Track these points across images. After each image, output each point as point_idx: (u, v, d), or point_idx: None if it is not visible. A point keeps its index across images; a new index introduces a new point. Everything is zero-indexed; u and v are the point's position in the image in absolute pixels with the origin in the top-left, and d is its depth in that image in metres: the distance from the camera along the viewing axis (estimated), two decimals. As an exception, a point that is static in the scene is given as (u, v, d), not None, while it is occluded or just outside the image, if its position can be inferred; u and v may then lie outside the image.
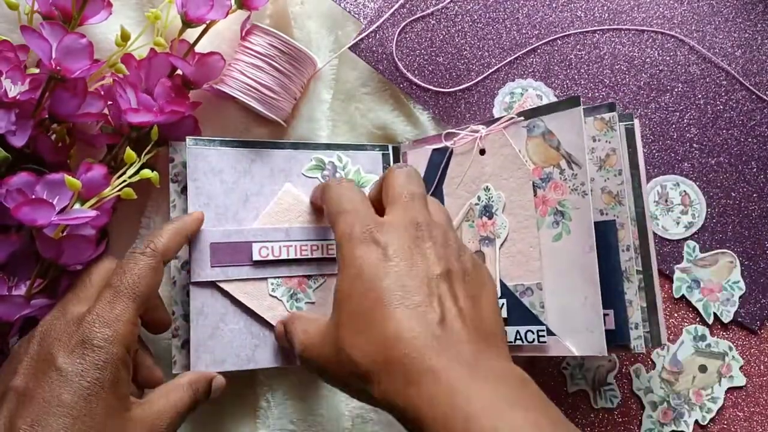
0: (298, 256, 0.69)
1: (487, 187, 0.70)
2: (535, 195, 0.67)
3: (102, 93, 0.66)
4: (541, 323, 0.65)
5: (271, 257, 0.68)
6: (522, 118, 0.68)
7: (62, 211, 0.59)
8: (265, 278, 0.68)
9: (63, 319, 0.55)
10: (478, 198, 0.71)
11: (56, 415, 0.49)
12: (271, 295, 0.68)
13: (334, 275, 0.71)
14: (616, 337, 0.64)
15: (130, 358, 0.54)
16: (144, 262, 0.57)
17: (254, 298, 0.68)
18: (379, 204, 0.61)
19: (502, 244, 0.69)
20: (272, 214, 0.70)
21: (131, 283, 0.55)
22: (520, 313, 0.66)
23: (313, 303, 0.70)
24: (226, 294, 0.67)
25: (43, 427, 0.48)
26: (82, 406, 0.49)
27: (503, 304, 0.67)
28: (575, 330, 0.63)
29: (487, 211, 0.70)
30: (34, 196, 0.58)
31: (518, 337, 0.66)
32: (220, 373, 0.65)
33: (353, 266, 0.53)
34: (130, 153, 0.61)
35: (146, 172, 0.62)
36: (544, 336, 0.64)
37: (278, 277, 0.69)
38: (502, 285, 0.68)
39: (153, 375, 0.62)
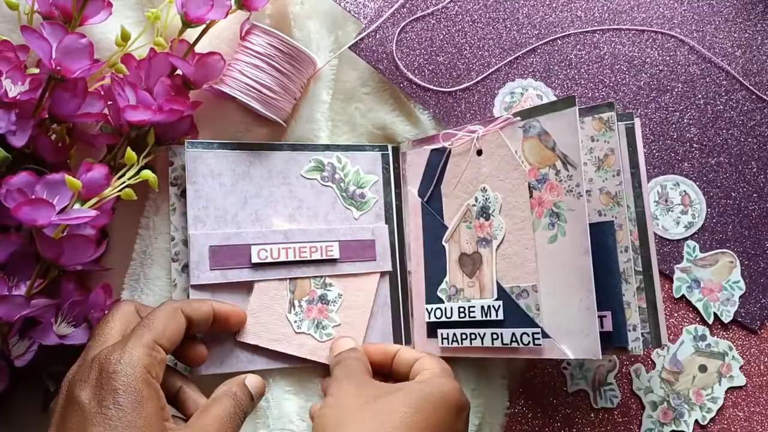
0: (297, 258, 0.70)
1: (484, 188, 0.70)
2: (531, 196, 0.67)
3: (102, 93, 0.66)
4: (536, 326, 0.65)
5: (269, 259, 0.68)
6: (519, 118, 0.68)
7: (62, 211, 0.59)
8: (286, 320, 0.70)
9: (84, 363, 0.55)
10: (476, 199, 0.71)
11: None
12: (297, 333, 0.70)
13: (346, 289, 0.73)
14: (614, 339, 0.64)
15: (155, 380, 0.53)
16: (162, 306, 0.59)
17: (284, 342, 0.69)
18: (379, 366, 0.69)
19: (498, 246, 0.69)
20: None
21: (146, 319, 0.57)
22: (515, 315, 0.66)
23: (339, 324, 0.72)
24: (225, 296, 0.67)
25: None
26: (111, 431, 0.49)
27: (500, 306, 0.67)
28: (570, 333, 0.63)
29: (484, 213, 0.70)
30: (34, 196, 0.58)
31: (514, 339, 0.66)
32: (221, 374, 0.65)
33: None
34: (130, 153, 0.62)
35: (146, 173, 0.62)
36: (539, 338, 0.64)
37: (298, 313, 0.70)
38: (499, 287, 0.68)
39: (193, 398, 0.61)
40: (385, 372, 0.69)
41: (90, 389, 0.51)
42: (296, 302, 0.71)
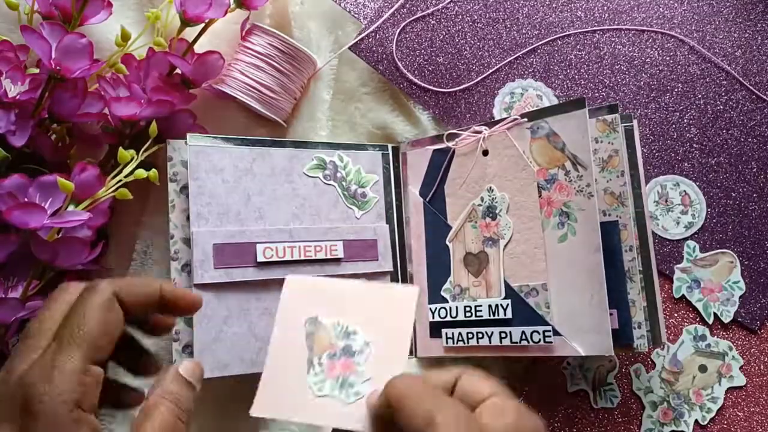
0: (302, 257, 0.69)
1: (490, 188, 0.70)
2: (539, 196, 0.67)
3: (102, 93, 0.66)
4: (546, 323, 0.65)
5: (275, 258, 0.68)
6: (525, 119, 0.68)
7: (56, 213, 0.58)
8: (305, 384, 0.54)
9: (5, 382, 0.46)
10: (481, 199, 0.71)
11: None
12: (319, 397, 0.54)
13: (373, 332, 0.57)
14: (620, 337, 0.65)
15: (87, 412, 0.45)
16: (93, 298, 0.47)
17: (303, 410, 0.54)
18: None
19: (506, 245, 0.69)
20: (286, 314, 0.57)
21: (76, 324, 0.46)
22: (525, 313, 0.66)
23: (369, 379, 0.54)
24: (228, 296, 0.67)
25: None
26: None
27: (508, 304, 0.67)
28: (581, 330, 0.63)
29: (491, 212, 0.70)
30: (26, 199, 0.57)
31: (524, 337, 0.66)
32: (224, 378, 0.65)
33: None
34: (123, 153, 0.61)
35: (140, 173, 0.62)
36: (550, 336, 0.64)
37: (317, 374, 0.55)
38: (506, 285, 0.68)
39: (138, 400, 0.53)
40: None
41: (14, 428, 0.43)
42: (315, 359, 0.55)
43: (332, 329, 0.56)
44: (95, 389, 0.46)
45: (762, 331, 0.79)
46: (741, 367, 0.78)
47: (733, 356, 0.78)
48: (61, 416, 0.43)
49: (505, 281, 0.68)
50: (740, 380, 0.78)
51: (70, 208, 0.59)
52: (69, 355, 0.44)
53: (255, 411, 0.55)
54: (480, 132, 0.71)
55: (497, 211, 0.69)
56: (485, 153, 0.71)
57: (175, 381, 0.50)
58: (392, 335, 0.54)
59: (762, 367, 0.78)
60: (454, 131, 0.72)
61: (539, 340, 0.65)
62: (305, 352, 0.56)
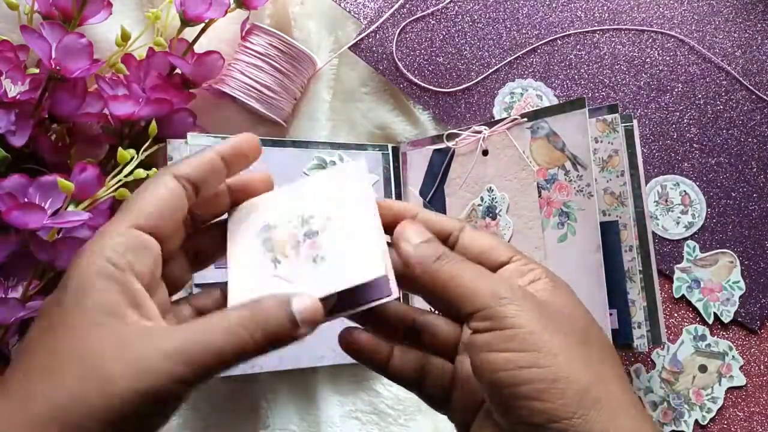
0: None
1: (490, 188, 0.70)
2: (539, 196, 0.67)
3: (101, 92, 0.66)
4: (545, 323, 0.65)
5: None
6: (525, 119, 0.68)
7: (56, 213, 0.58)
8: (277, 280, 0.48)
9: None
10: (481, 199, 0.71)
11: (27, 341, 0.39)
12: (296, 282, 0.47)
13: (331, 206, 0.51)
14: (620, 337, 0.65)
15: (122, 271, 0.40)
16: (149, 181, 0.44)
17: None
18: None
19: (506, 245, 0.69)
20: (236, 237, 0.51)
21: (129, 200, 0.43)
22: (524, 313, 0.66)
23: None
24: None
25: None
26: (44, 324, 0.40)
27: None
28: (581, 330, 0.63)
29: (491, 212, 0.70)
30: (26, 199, 0.57)
31: (523, 337, 0.66)
32: (224, 378, 0.65)
33: None
34: (122, 153, 0.61)
35: (140, 173, 0.62)
36: (548, 336, 0.64)
37: (286, 266, 0.48)
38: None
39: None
40: None
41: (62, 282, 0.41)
42: (279, 257, 0.49)
43: (287, 223, 0.50)
44: (142, 254, 0.42)
45: (762, 331, 0.79)
46: (741, 367, 0.78)
47: (733, 356, 0.78)
48: (87, 267, 0.40)
49: (504, 281, 0.68)
50: (740, 380, 0.78)
51: (70, 208, 0.59)
52: (112, 221, 0.42)
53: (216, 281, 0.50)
54: (480, 132, 0.71)
55: (497, 211, 0.69)
56: (485, 153, 0.71)
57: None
58: (353, 205, 0.48)
59: (762, 367, 0.78)
60: (454, 131, 0.72)
61: (539, 340, 0.65)
62: (267, 255, 0.49)
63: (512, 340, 0.38)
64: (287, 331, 0.42)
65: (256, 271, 0.49)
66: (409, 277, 0.44)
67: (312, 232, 0.49)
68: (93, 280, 0.40)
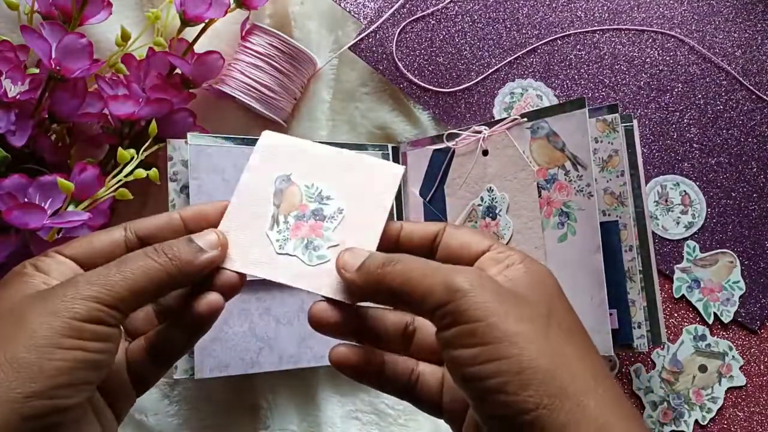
0: None
1: (490, 188, 0.70)
2: (539, 196, 0.67)
3: (100, 92, 0.66)
4: (545, 324, 0.65)
5: None
6: (525, 119, 0.68)
7: (56, 213, 0.58)
8: (266, 238, 0.50)
9: None
10: (481, 199, 0.71)
11: None
12: (279, 254, 0.50)
13: (350, 199, 0.52)
14: (620, 337, 0.65)
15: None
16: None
17: (263, 265, 0.50)
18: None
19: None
20: (258, 167, 0.53)
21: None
22: (524, 313, 0.66)
23: (337, 245, 0.50)
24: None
25: None
26: None
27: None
28: (581, 331, 0.63)
29: (491, 212, 0.70)
30: (26, 199, 0.57)
31: (523, 337, 0.66)
32: (224, 378, 0.65)
33: None
34: (122, 152, 0.61)
35: (140, 172, 0.62)
36: (548, 337, 0.64)
37: (281, 231, 0.50)
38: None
39: None
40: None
41: None
42: (281, 217, 0.51)
43: (305, 190, 0.52)
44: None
45: (762, 331, 0.79)
46: (741, 367, 0.78)
47: (733, 356, 0.78)
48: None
49: (505, 281, 0.68)
50: (740, 380, 0.78)
51: (70, 208, 0.59)
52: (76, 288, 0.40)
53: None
54: (480, 132, 0.71)
55: (497, 211, 0.69)
56: (485, 153, 0.71)
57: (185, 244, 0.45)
58: (369, 207, 0.51)
59: (762, 367, 0.78)
60: (454, 131, 0.72)
61: (539, 340, 0.65)
62: (271, 208, 0.51)
63: (473, 334, 0.38)
64: (191, 254, 0.43)
65: (252, 216, 0.50)
66: (369, 294, 0.45)
67: (321, 214, 0.51)
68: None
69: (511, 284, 0.42)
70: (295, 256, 0.50)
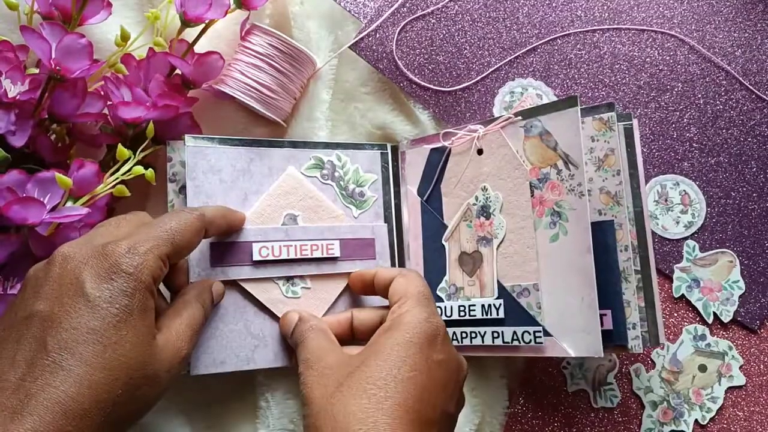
0: (298, 256, 0.69)
1: (484, 187, 0.70)
2: (532, 195, 0.67)
3: (102, 93, 0.66)
4: (537, 324, 0.65)
5: (271, 257, 0.68)
6: (519, 117, 0.68)
7: (54, 209, 0.59)
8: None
9: (89, 245, 0.52)
10: (476, 198, 0.71)
11: (86, 343, 0.47)
12: (262, 280, 0.69)
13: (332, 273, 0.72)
14: (614, 337, 0.65)
15: (156, 292, 0.53)
16: (188, 217, 0.57)
17: (249, 282, 0.68)
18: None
19: (499, 245, 0.69)
20: (274, 196, 0.70)
21: (170, 228, 0.55)
22: (516, 313, 0.67)
23: (309, 288, 0.70)
24: (225, 294, 0.67)
25: (72, 354, 0.46)
26: (112, 333, 0.47)
27: (500, 304, 0.67)
28: (572, 331, 0.63)
29: (485, 212, 0.70)
30: (25, 195, 0.58)
31: (515, 337, 0.66)
32: (219, 374, 0.65)
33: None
34: (122, 150, 0.62)
35: (138, 169, 0.62)
36: (540, 337, 0.64)
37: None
38: (499, 285, 0.68)
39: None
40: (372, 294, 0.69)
41: (97, 280, 0.49)
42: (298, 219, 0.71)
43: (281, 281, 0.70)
44: (161, 279, 0.54)
45: (762, 330, 0.79)
46: (741, 367, 0.78)
47: (732, 356, 0.78)
48: (144, 284, 0.50)
49: (498, 281, 0.68)
50: (740, 380, 0.77)
51: (69, 204, 0.60)
52: (159, 243, 0.53)
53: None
54: (475, 131, 0.71)
55: (491, 211, 0.70)
56: (480, 152, 0.71)
57: (208, 292, 0.61)
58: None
59: (762, 366, 0.78)
60: (450, 130, 0.73)
61: (530, 340, 0.65)
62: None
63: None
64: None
65: (280, 207, 0.71)
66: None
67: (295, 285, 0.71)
68: (147, 299, 0.51)
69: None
70: (277, 284, 0.69)
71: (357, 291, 0.70)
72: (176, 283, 0.64)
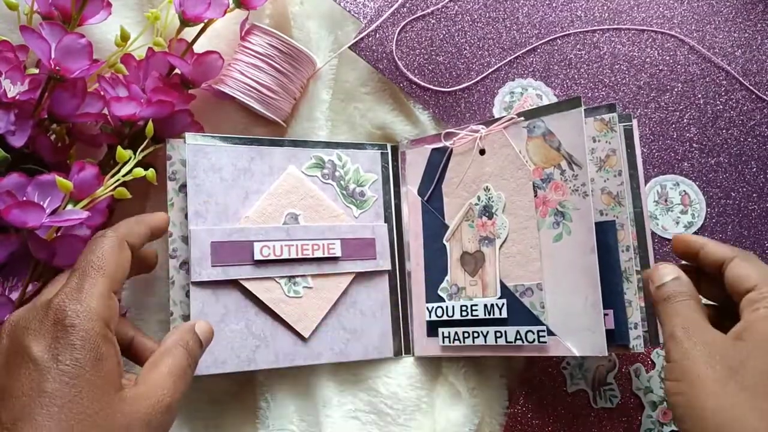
0: (300, 256, 0.69)
1: (487, 187, 0.70)
2: (535, 195, 0.67)
3: (102, 93, 0.66)
4: (541, 323, 0.65)
5: (272, 257, 0.68)
6: (522, 118, 0.68)
7: (54, 212, 0.58)
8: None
9: (34, 307, 0.50)
10: (478, 198, 0.71)
11: (40, 407, 0.44)
12: (264, 279, 0.69)
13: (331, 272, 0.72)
14: (616, 337, 0.65)
15: (112, 334, 0.50)
16: (102, 241, 0.54)
17: (250, 281, 0.68)
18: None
19: (501, 245, 0.69)
20: (275, 195, 0.70)
21: (96, 259, 0.52)
22: (519, 313, 0.67)
23: (311, 288, 0.70)
24: (226, 294, 0.67)
25: (26, 421, 0.44)
26: (66, 392, 0.45)
27: (503, 304, 0.67)
28: (576, 330, 0.63)
29: (487, 212, 0.70)
30: (25, 198, 0.57)
31: (518, 337, 0.66)
32: (220, 374, 0.65)
33: None
34: (121, 152, 0.61)
35: (138, 171, 0.62)
36: (544, 336, 0.64)
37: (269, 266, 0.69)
38: (502, 285, 0.68)
39: (146, 347, 0.58)
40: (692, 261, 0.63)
41: (44, 342, 0.47)
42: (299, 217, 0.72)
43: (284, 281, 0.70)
44: (116, 315, 0.52)
45: (762, 331, 0.79)
46: (741, 367, 0.78)
47: (732, 356, 0.78)
48: (93, 331, 0.48)
49: (500, 281, 0.68)
50: (740, 380, 0.77)
51: (69, 207, 0.59)
52: (94, 280, 0.51)
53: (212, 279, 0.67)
54: (477, 131, 0.71)
55: (494, 211, 0.70)
56: (482, 152, 0.71)
57: (190, 333, 0.57)
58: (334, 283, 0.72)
59: (762, 367, 0.78)
60: (452, 130, 0.73)
61: (534, 340, 0.65)
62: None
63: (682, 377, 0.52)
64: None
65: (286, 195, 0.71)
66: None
67: (297, 284, 0.72)
68: (100, 346, 0.48)
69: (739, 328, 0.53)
70: (279, 283, 0.69)
71: (678, 252, 0.63)
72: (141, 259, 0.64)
